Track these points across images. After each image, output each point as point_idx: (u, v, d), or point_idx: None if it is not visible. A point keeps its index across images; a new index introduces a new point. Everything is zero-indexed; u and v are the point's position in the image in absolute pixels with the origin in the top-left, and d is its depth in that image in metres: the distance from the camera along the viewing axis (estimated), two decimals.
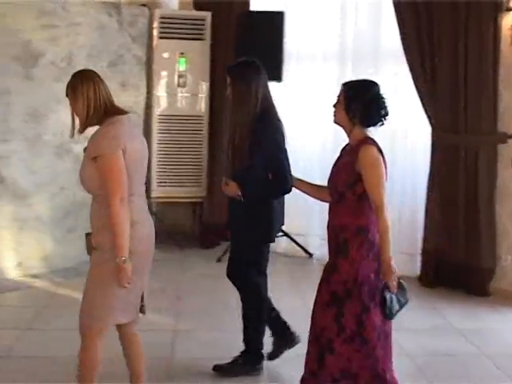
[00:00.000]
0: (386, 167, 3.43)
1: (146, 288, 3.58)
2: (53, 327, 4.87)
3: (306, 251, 7.08)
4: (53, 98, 6.15)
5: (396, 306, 3.39)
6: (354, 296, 3.43)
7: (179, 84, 7.04)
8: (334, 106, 3.52)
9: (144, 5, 6.95)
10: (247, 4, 7.09)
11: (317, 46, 7.02)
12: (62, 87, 6.08)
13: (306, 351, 3.64)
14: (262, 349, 4.35)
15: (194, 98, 7.12)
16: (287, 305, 5.56)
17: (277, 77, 6.77)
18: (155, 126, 7.00)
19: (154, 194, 7.09)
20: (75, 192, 6.40)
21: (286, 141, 4.13)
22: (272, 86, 6.75)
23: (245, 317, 4.33)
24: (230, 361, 4.33)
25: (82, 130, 3.41)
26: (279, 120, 4.17)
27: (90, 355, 3.45)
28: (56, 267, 6.23)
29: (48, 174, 6.24)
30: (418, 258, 6.46)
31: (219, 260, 6.72)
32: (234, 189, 4.06)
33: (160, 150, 7.03)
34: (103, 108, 3.37)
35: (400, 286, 3.40)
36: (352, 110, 3.42)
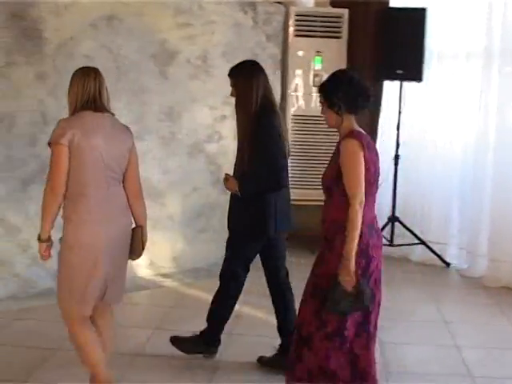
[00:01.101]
0: (373, 162, 3.39)
1: (114, 278, 3.66)
2: (181, 328, 4.83)
3: (443, 260, 6.72)
4: (187, 97, 6.21)
5: (343, 307, 3.33)
6: None
7: (314, 83, 6.87)
8: (322, 111, 3.53)
9: (279, 2, 6.84)
10: (386, 0, 6.83)
11: (460, 44, 6.62)
12: (196, 86, 6.28)
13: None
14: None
15: None
16: (422, 317, 5.31)
17: (417, 77, 6.54)
18: (289, 126, 6.86)
19: None
20: (208, 192, 6.44)
21: (281, 136, 4.21)
22: (412, 86, 6.67)
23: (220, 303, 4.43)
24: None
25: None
26: (276, 112, 4.26)
27: (78, 341, 3.63)
28: (186, 267, 6.26)
29: (181, 173, 6.27)
30: None
31: None
32: (233, 185, 4.17)
33: (294, 151, 6.85)
34: (84, 102, 3.50)
35: (357, 288, 3.31)
36: (335, 103, 3.41)
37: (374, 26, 6.79)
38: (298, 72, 6.88)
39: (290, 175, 6.76)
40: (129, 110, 5.59)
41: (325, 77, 6.62)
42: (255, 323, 5.01)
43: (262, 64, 6.52)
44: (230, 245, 4.43)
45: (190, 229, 6.37)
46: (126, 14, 5.84)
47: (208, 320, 4.42)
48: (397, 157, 6.69)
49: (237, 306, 5.21)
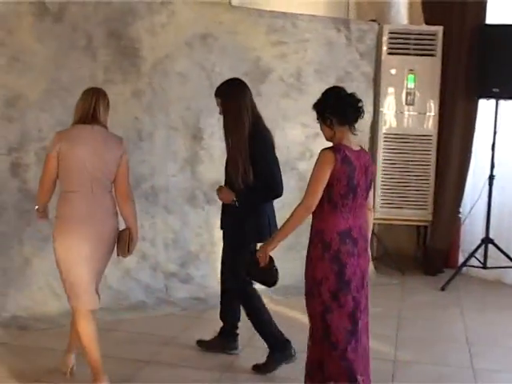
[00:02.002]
0: (345, 173, 3.51)
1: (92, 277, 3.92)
2: None
3: None
4: (279, 115, 6.23)
5: (252, 272, 3.82)
6: (315, 294, 3.58)
7: (407, 102, 6.79)
8: (320, 128, 3.71)
9: (373, 20, 6.79)
10: (482, 17, 6.68)
11: None
12: (289, 103, 6.28)
13: None
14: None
15: (422, 117, 6.83)
16: None
17: None
18: (381, 145, 6.81)
19: (376, 215, 6.85)
20: None
21: (274, 149, 4.46)
22: (508, 104, 6.46)
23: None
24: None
25: None
26: (268, 130, 4.46)
27: (79, 331, 3.94)
28: (276, 285, 6.19)
29: None
30: None
31: (443, 289, 6.36)
32: (228, 196, 4.33)
33: (385, 170, 6.83)
34: (80, 117, 3.91)
35: (269, 266, 3.74)
36: (327, 118, 3.61)
37: (469, 43, 6.65)
38: (391, 90, 6.80)
39: (379, 194, 6.79)
40: (220, 126, 5.62)
41: (418, 95, 6.66)
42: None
43: (355, 82, 6.58)
44: (231, 259, 4.50)
45: (279, 246, 6.28)
46: (220, 32, 5.93)
47: (265, 337, 4.52)
48: (491, 177, 6.49)
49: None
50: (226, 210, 4.50)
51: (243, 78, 5.94)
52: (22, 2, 5.10)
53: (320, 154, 3.57)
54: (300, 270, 6.27)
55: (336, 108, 3.60)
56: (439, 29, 6.73)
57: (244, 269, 3.90)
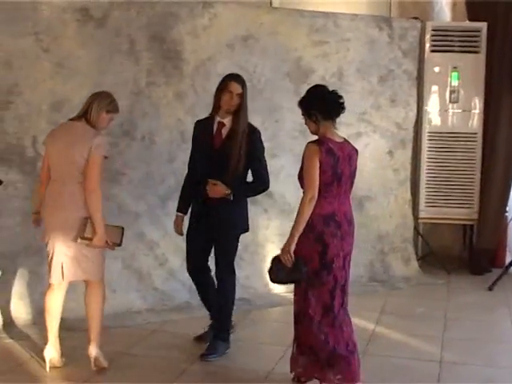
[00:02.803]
0: (330, 165, 3.81)
1: (74, 259, 4.23)
2: None
3: None
4: None
5: (280, 277, 3.90)
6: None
7: (451, 100, 6.72)
8: (305, 123, 4.01)
9: (415, 17, 6.72)
10: None
11: None
12: None
13: None
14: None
15: (467, 115, 6.75)
16: None
17: None
18: (425, 144, 6.75)
19: (421, 215, 6.83)
20: None
21: None
22: None
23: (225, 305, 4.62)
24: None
25: None
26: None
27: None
28: None
29: None
30: None
31: (490, 289, 6.27)
32: (222, 189, 4.38)
33: (429, 169, 6.77)
34: (76, 115, 4.32)
35: (295, 264, 3.82)
36: (313, 115, 3.91)
37: None
38: (434, 88, 6.72)
39: (424, 194, 6.73)
40: (263, 127, 5.62)
41: (462, 93, 6.57)
42: (389, 344, 4.89)
43: (398, 80, 6.54)
44: (225, 251, 4.57)
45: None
46: (261, 33, 5.94)
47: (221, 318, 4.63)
48: None
49: (371, 326, 5.15)
50: (210, 204, 4.46)
51: (285, 79, 6.03)
52: (67, 8, 5.19)
53: (306, 147, 3.87)
54: None
55: (321, 105, 3.91)
56: (483, 25, 6.64)
57: (273, 277, 3.95)
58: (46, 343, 4.35)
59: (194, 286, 4.94)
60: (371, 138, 6.51)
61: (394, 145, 6.63)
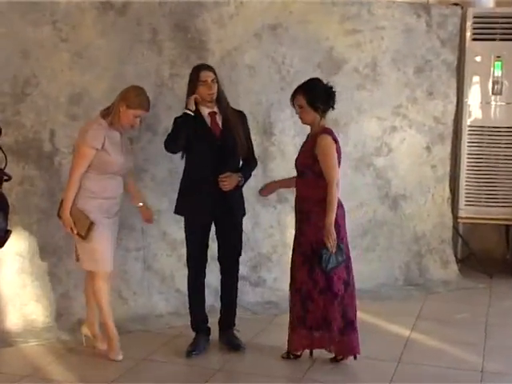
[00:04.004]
0: (339, 152, 4.49)
1: None
2: None
3: None
4: (354, 107, 6.18)
5: (332, 263, 4.35)
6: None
7: (494, 91, 6.59)
8: (298, 112, 4.54)
9: (456, 4, 6.62)
10: None
11: None
12: (364, 96, 6.21)
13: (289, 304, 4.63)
14: None
15: (511, 107, 6.62)
16: None
17: None
18: (465, 138, 6.64)
19: (461, 214, 6.73)
20: (375, 208, 6.37)
21: None
22: None
23: (232, 300, 4.93)
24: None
25: None
26: None
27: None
28: None
29: (346, 188, 6.13)
30: None
31: None
32: (236, 178, 4.64)
33: (470, 165, 6.66)
34: None
35: (338, 247, 4.36)
36: (317, 107, 4.46)
37: None
38: (476, 79, 6.62)
39: (464, 192, 6.65)
40: (293, 121, 5.59)
41: (506, 84, 6.47)
42: (426, 352, 4.82)
43: (436, 71, 6.48)
44: (239, 234, 4.83)
45: (355, 247, 6.23)
46: (291, 22, 5.89)
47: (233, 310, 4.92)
48: None
49: (407, 332, 5.09)
50: (223, 195, 4.63)
51: (315, 70, 5.99)
52: None
53: (325, 140, 4.42)
54: (377, 273, 6.30)
55: (325, 98, 4.48)
56: None
57: (326, 266, 4.36)
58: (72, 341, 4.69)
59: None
60: (407, 132, 6.45)
61: (431, 140, 6.56)
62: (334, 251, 4.34)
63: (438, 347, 4.90)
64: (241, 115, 4.79)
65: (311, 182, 4.45)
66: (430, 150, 6.57)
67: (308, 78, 5.88)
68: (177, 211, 4.84)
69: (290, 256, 4.64)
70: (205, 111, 4.65)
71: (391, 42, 6.28)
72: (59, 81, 5.17)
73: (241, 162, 4.81)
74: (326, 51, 6.05)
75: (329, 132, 4.47)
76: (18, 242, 5.06)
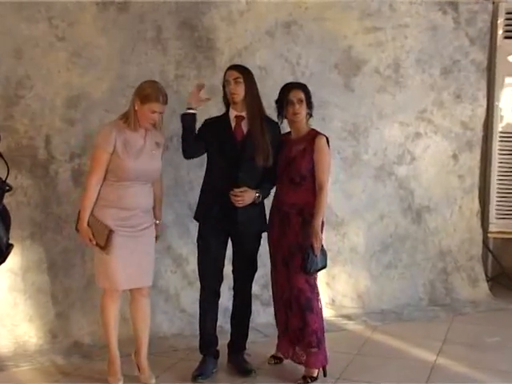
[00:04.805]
0: None
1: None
2: (365, 378, 4.69)
3: None
4: (375, 112, 6.16)
5: (315, 265, 4.56)
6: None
7: None
8: (298, 110, 4.67)
9: None
10: None
11: None
12: (385, 99, 6.19)
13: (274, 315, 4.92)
14: None
15: None
16: None
17: None
18: (496, 145, 6.63)
19: (491, 228, 6.69)
20: (397, 221, 6.33)
21: None
22: None
23: (244, 321, 4.94)
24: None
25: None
26: None
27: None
28: (372, 308, 6.17)
29: (366, 199, 6.21)
30: None
31: None
32: (251, 195, 4.62)
33: (501, 175, 6.64)
34: None
35: (322, 252, 4.58)
36: (311, 105, 4.75)
37: None
38: (508, 80, 6.59)
39: (495, 204, 6.60)
40: None
41: None
42: (454, 378, 4.77)
43: (464, 72, 6.47)
44: (255, 249, 4.85)
45: (375, 263, 6.26)
46: (306, 19, 5.89)
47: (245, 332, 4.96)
48: None
49: (433, 357, 5.04)
50: (238, 211, 4.62)
51: (333, 71, 5.98)
52: None
53: (321, 141, 4.64)
54: (400, 292, 6.25)
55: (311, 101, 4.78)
56: None
57: (310, 268, 4.54)
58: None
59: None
60: (432, 139, 6.42)
61: (458, 147, 6.52)
62: (318, 253, 4.54)
63: (467, 374, 4.84)
64: (273, 126, 4.74)
65: (309, 187, 4.62)
66: (457, 159, 6.53)
67: (325, 79, 5.94)
68: (195, 216, 4.84)
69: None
70: (232, 114, 4.67)
71: (415, 41, 6.26)
72: (55, 82, 5.17)
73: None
74: (344, 51, 6.04)
75: (321, 133, 4.71)
76: (10, 258, 4.99)
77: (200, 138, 4.65)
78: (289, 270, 4.66)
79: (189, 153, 4.66)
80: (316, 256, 4.53)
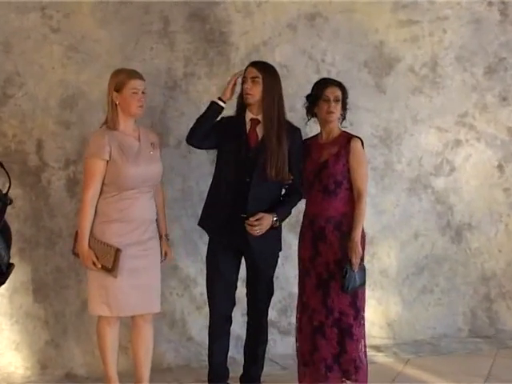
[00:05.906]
0: None
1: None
2: None
3: None
4: (409, 116, 6.15)
5: (353, 282, 4.53)
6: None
7: None
8: (332, 106, 4.65)
9: None
10: None
11: None
12: (421, 102, 6.14)
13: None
14: None
15: None
16: None
17: None
18: None
19: None
20: (434, 240, 6.32)
21: None
22: None
23: (259, 351, 4.91)
24: None
25: None
26: None
27: None
28: (404, 338, 6.15)
29: (398, 215, 6.18)
30: None
31: None
32: (268, 220, 4.57)
33: None
34: None
35: (361, 267, 4.58)
36: (345, 106, 4.78)
37: None
38: None
39: None
40: None
41: None
42: None
43: (510, 72, 6.34)
44: (271, 271, 4.83)
45: (408, 288, 6.23)
46: (332, 11, 5.88)
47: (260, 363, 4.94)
48: None
49: None
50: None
51: (362, 69, 5.99)
52: None
53: (358, 144, 4.66)
54: (436, 321, 6.17)
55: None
56: None
57: (349, 285, 4.52)
58: None
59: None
60: (474, 147, 6.38)
61: (504, 156, 6.48)
62: (356, 269, 4.54)
63: None
64: (292, 131, 4.70)
65: (346, 195, 4.65)
66: (503, 170, 6.48)
67: (353, 79, 5.91)
68: (200, 223, 4.84)
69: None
70: (249, 116, 4.65)
71: (456, 36, 6.24)
72: (49, 80, 5.18)
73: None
74: (375, 47, 6.03)
75: (356, 135, 4.75)
76: None
77: (215, 130, 4.62)
78: (327, 293, 4.60)
79: (196, 134, 4.62)
80: (354, 271, 4.51)
